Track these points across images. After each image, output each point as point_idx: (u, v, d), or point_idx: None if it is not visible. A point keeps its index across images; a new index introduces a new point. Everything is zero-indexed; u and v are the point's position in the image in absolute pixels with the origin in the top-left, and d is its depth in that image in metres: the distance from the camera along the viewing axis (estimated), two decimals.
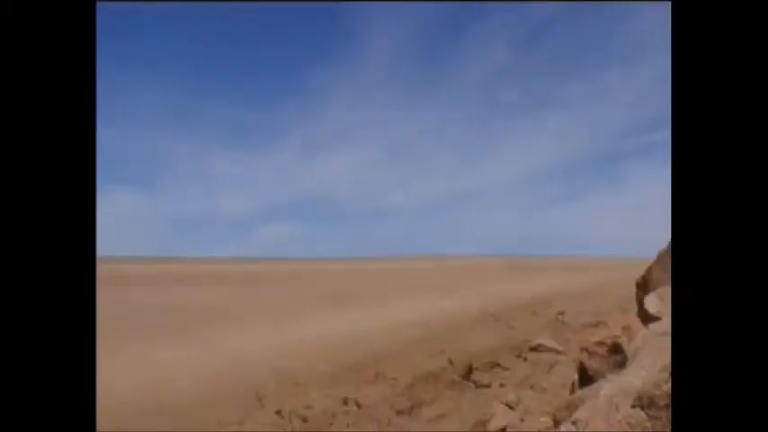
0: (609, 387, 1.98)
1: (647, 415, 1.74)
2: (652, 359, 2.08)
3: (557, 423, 2.66)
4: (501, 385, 6.29)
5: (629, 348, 2.92)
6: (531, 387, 6.07)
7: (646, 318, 3.77)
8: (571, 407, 2.42)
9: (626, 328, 3.62)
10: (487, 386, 6.30)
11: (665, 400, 1.71)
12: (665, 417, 1.69)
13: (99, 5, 1.79)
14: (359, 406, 5.45)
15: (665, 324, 2.73)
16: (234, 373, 6.87)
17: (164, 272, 38.06)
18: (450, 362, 7.10)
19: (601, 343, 3.77)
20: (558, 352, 8.09)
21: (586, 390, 2.74)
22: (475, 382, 6.45)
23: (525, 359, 7.76)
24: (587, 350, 3.69)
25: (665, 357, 1.96)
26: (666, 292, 3.86)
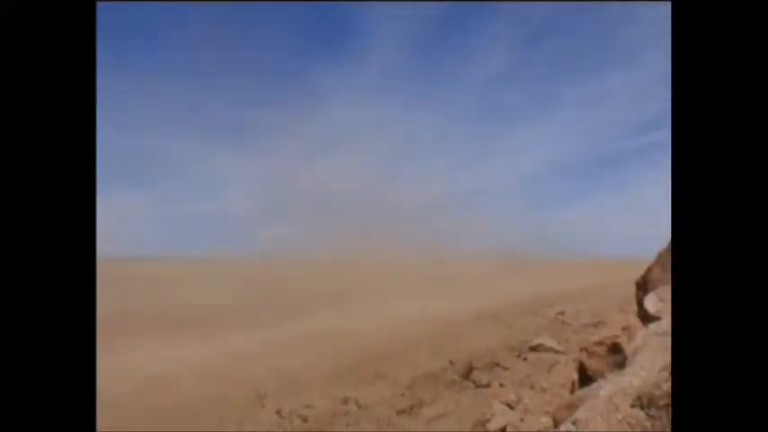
0: (609, 387, 1.98)
1: (647, 415, 1.74)
2: (652, 359, 2.08)
3: (557, 423, 2.66)
4: (501, 385, 6.29)
5: (629, 348, 2.91)
6: (531, 387, 6.08)
7: (646, 318, 3.76)
8: (571, 407, 2.42)
9: (626, 328, 3.62)
10: (487, 386, 6.30)
11: (665, 400, 1.71)
12: (665, 417, 1.69)
13: (99, 5, 1.79)
14: (359, 406, 5.45)
15: (665, 324, 2.73)
16: (234, 372, 6.87)
17: (164, 272, 38.05)
18: (451, 362, 7.10)
19: (601, 343, 3.77)
20: (557, 352, 8.09)
21: (586, 390, 2.74)
22: (475, 382, 6.45)
23: (525, 359, 7.76)
24: (587, 350, 3.69)
25: (665, 357, 1.96)
26: (666, 292, 3.86)
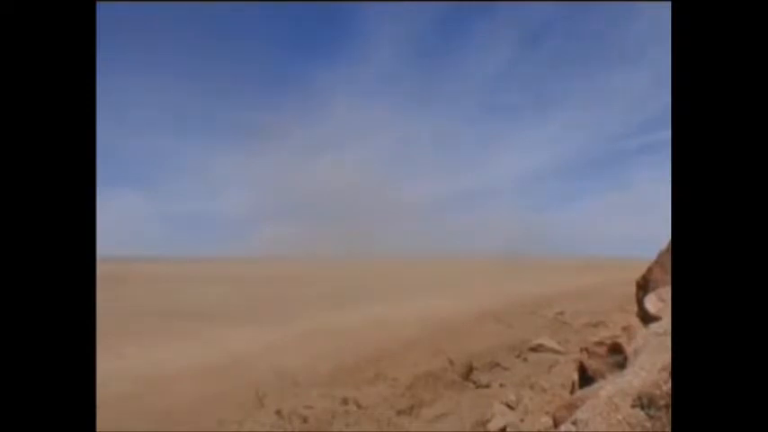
0: (609, 387, 1.98)
1: (647, 415, 1.74)
2: (652, 359, 2.08)
3: (557, 423, 2.66)
4: (501, 385, 6.30)
5: (629, 348, 2.92)
6: (531, 387, 6.08)
7: (646, 318, 3.77)
8: (571, 407, 2.42)
9: (626, 328, 3.62)
10: (487, 386, 6.30)
11: (665, 400, 1.71)
12: (665, 417, 1.69)
13: (99, 5, 1.79)
14: (359, 406, 5.45)
15: (665, 324, 2.73)
16: (234, 372, 6.87)
17: (164, 272, 38.07)
18: (451, 362, 7.10)
19: (601, 343, 3.77)
20: (558, 352, 8.10)
21: (586, 390, 2.74)
22: (475, 382, 6.45)
23: (525, 359, 7.76)
24: (587, 350, 3.69)
25: (665, 357, 1.96)
26: (666, 292, 3.86)
